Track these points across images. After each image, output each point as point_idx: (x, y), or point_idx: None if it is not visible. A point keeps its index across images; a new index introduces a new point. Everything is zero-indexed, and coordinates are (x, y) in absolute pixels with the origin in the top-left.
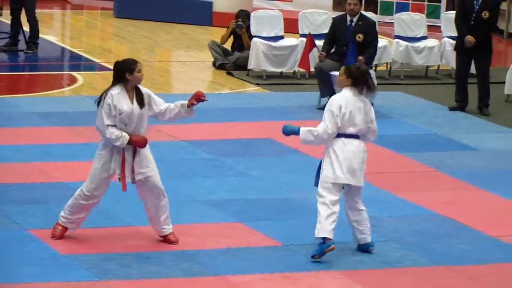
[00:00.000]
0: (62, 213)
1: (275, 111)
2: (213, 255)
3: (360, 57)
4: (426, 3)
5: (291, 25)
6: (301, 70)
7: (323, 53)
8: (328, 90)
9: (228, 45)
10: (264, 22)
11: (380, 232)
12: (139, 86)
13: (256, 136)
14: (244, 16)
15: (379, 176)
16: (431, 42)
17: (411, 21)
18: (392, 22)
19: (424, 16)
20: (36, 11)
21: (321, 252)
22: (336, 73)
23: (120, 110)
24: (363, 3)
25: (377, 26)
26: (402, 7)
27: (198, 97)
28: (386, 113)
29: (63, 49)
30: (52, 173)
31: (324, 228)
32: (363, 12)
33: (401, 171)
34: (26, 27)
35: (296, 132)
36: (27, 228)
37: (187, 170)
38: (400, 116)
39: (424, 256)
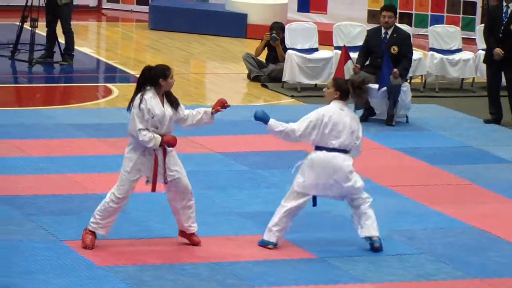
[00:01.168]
0: (92, 219)
1: None
2: (248, 267)
3: (395, 69)
4: (461, 15)
5: (325, 38)
6: None
7: (357, 65)
8: (363, 102)
9: (262, 57)
10: (299, 35)
11: (415, 244)
12: (169, 91)
13: (290, 148)
14: (278, 28)
15: (413, 189)
16: (466, 54)
17: (446, 34)
18: (427, 35)
19: (459, 28)
20: (72, 23)
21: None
22: (373, 85)
23: (153, 114)
24: (397, 15)
25: (411, 38)
26: (437, 20)
27: (223, 104)
28: (421, 125)
29: (98, 61)
30: (87, 185)
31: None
32: (398, 25)
33: (435, 183)
34: (61, 39)
35: (266, 120)
36: (62, 240)
37: (222, 182)
38: (435, 129)
39: (459, 269)
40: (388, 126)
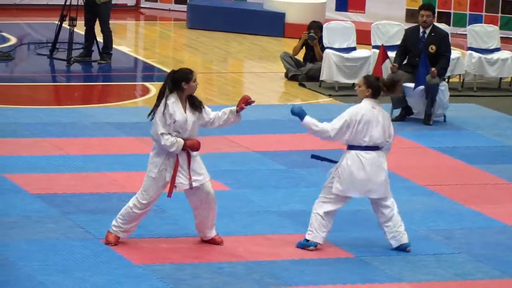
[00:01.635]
0: (114, 222)
1: None
2: (286, 266)
3: (433, 69)
4: (499, 14)
5: (363, 37)
6: None
7: (395, 64)
8: (400, 102)
9: (300, 56)
10: (337, 34)
11: (452, 244)
12: (193, 95)
13: (328, 147)
14: (316, 27)
15: (451, 188)
16: (505, 54)
17: (484, 33)
18: (465, 34)
19: (497, 28)
20: (110, 22)
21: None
22: (410, 84)
23: (174, 119)
24: (436, 14)
25: (449, 37)
26: (475, 19)
27: (246, 101)
28: (459, 125)
29: (136, 59)
30: (125, 183)
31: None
32: (436, 24)
33: (473, 183)
34: (99, 38)
35: (302, 116)
36: (99, 238)
37: (259, 181)
38: (473, 128)
39: (497, 269)
40: (425, 125)
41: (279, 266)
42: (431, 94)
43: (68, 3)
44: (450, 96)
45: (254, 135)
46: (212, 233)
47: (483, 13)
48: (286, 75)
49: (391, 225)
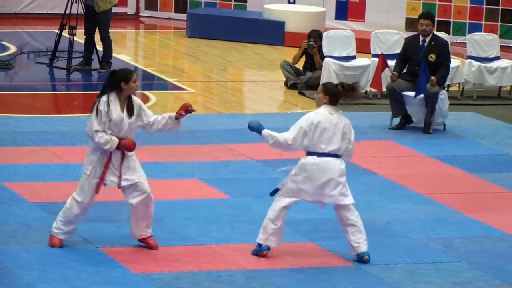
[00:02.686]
0: (55, 224)
1: None
2: (285, 275)
3: (433, 77)
4: (499, 23)
5: (363, 45)
6: (373, 90)
7: (395, 73)
8: (400, 110)
9: (300, 65)
10: (336, 42)
11: (452, 252)
12: (132, 96)
13: None
14: (316, 36)
15: (451, 197)
16: (504, 62)
17: (484, 42)
18: (465, 43)
19: (497, 36)
20: (110, 30)
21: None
22: (410, 93)
23: (110, 117)
24: (435, 23)
25: (449, 46)
26: (475, 28)
27: (186, 108)
28: (459, 133)
29: (136, 68)
30: None
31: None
32: (436, 32)
33: (473, 191)
34: (99, 47)
35: (259, 131)
36: (99, 246)
37: (259, 190)
38: (472, 137)
39: (496, 277)
40: (425, 133)
41: (278, 274)
42: (430, 102)
43: (68, 12)
44: (450, 104)
45: (254, 144)
46: (147, 234)
47: (483, 22)
48: (286, 84)
49: (352, 232)
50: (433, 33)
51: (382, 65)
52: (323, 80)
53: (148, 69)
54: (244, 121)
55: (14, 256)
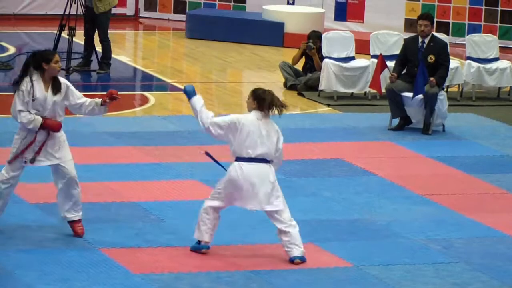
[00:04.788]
0: None
1: (346, 132)
2: (284, 276)
3: (431, 78)
4: (498, 24)
5: (362, 46)
6: (372, 91)
7: (394, 74)
8: (399, 111)
9: (299, 66)
10: (336, 43)
11: (451, 253)
12: (59, 77)
13: (327, 156)
14: (316, 37)
15: (450, 198)
16: (503, 63)
17: (483, 43)
18: (464, 44)
19: (496, 37)
20: (109, 31)
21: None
22: (408, 94)
23: (33, 97)
24: (434, 24)
25: (448, 47)
26: (474, 29)
27: (111, 95)
28: (458, 134)
29: (135, 69)
30: (124, 193)
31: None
32: (435, 33)
33: (472, 192)
34: (98, 48)
35: (191, 96)
36: (98, 247)
37: None
38: (471, 138)
39: (495, 278)
40: (424, 134)
41: (277, 275)
42: (430, 103)
43: (67, 12)
44: (449, 105)
45: None
46: (72, 217)
47: (482, 23)
48: (285, 85)
49: (285, 239)
50: (432, 34)
51: (381, 66)
52: (322, 81)
53: (147, 70)
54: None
55: (13, 257)
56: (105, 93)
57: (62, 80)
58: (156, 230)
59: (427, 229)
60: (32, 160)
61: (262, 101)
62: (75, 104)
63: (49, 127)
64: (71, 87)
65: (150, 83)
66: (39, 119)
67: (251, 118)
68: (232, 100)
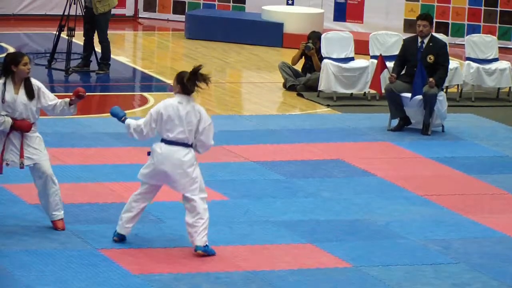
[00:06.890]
0: None
1: (345, 133)
2: (283, 276)
3: (431, 79)
4: (497, 25)
5: (361, 47)
6: (372, 91)
7: (393, 74)
8: (398, 112)
9: (299, 67)
10: (335, 44)
11: (450, 254)
12: (31, 79)
13: (326, 157)
14: (315, 37)
15: (449, 198)
16: (503, 64)
17: (483, 43)
18: (463, 44)
19: (495, 38)
20: (108, 32)
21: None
22: (408, 95)
23: (3, 99)
24: (434, 25)
25: (448, 47)
26: (474, 29)
27: (77, 93)
28: (457, 135)
29: (134, 70)
30: (123, 193)
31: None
32: (434, 34)
33: (471, 193)
34: (98, 48)
35: (119, 117)
36: (97, 248)
37: (258, 191)
38: (471, 138)
39: (495, 279)
40: (424, 135)
41: (276, 276)
42: (429, 104)
43: (66, 13)
44: (448, 106)
45: (252, 145)
46: (55, 216)
47: (481, 23)
48: (284, 85)
49: (192, 225)
50: (432, 35)
51: (381, 66)
52: (321, 81)
53: (146, 71)
54: (243, 123)
55: (12, 257)
56: (105, 93)
57: (35, 82)
58: (155, 231)
59: (426, 229)
60: (20, 164)
61: (184, 85)
62: (48, 105)
63: (20, 127)
64: (43, 88)
65: (149, 83)
66: (9, 120)
67: (170, 103)
68: (231, 100)
